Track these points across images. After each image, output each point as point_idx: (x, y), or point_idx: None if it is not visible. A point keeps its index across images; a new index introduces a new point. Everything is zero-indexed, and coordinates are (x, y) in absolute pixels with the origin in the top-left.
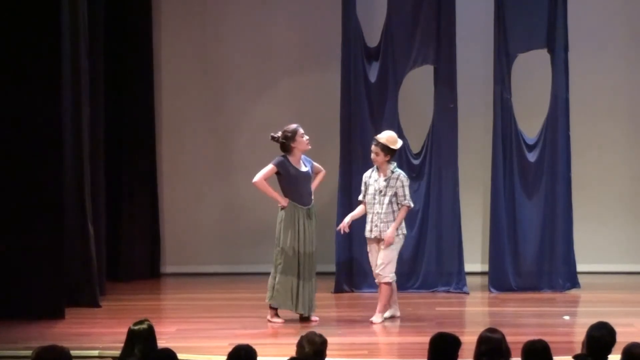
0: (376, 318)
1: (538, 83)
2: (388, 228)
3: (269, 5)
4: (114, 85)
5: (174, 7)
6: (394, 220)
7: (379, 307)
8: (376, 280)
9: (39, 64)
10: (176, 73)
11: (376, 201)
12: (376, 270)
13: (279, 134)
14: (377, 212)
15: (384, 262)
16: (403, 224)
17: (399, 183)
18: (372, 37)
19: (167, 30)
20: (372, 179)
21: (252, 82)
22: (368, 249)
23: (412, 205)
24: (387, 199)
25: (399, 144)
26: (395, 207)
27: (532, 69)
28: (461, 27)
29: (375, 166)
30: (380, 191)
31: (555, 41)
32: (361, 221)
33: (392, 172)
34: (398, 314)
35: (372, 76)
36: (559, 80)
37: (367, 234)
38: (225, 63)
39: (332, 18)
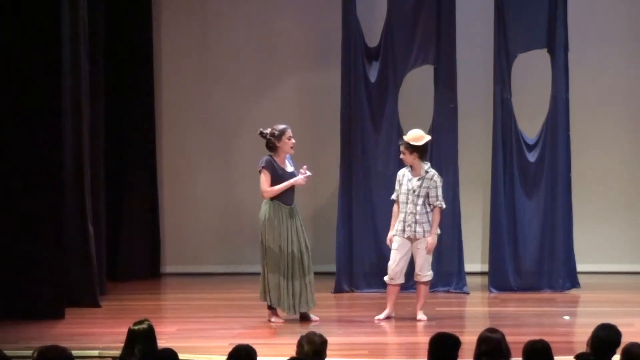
0: (421, 315)
1: (538, 83)
2: (422, 228)
3: (269, 5)
4: (114, 86)
5: (174, 8)
6: (428, 221)
7: (419, 305)
8: (414, 279)
9: (39, 67)
10: (176, 73)
11: (409, 201)
12: (417, 271)
13: (268, 130)
14: (411, 212)
15: (423, 264)
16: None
17: (432, 183)
18: (372, 37)
19: (167, 30)
20: (405, 178)
21: (252, 82)
22: (395, 247)
23: (444, 206)
24: (421, 200)
25: (424, 140)
26: (428, 207)
27: (532, 69)
28: (461, 27)
29: (408, 165)
30: (414, 191)
31: (555, 41)
32: (360, 220)
33: (427, 172)
34: (393, 314)
35: (372, 76)
36: (559, 80)
37: (400, 233)
38: (226, 63)
39: (332, 18)
